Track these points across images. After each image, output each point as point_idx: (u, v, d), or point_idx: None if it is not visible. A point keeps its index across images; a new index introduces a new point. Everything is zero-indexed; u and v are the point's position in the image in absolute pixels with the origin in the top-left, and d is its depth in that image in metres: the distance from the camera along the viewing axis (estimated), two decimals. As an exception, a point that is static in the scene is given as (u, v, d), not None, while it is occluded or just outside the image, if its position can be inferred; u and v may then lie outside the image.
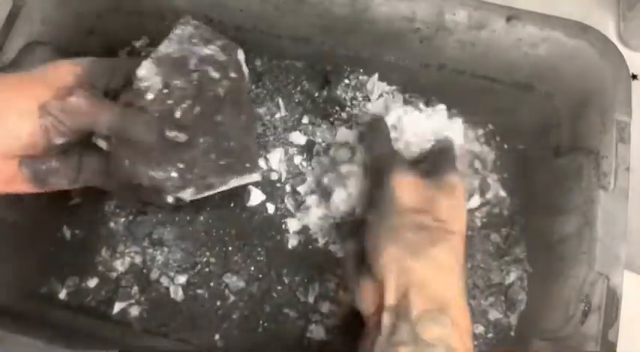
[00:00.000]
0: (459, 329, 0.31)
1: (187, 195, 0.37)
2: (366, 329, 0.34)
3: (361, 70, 0.51)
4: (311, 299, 0.45)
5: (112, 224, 0.47)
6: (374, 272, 0.33)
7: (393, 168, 0.36)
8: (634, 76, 0.52)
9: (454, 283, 0.32)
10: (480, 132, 0.51)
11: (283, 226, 0.47)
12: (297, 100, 0.51)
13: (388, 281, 0.32)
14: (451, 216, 0.34)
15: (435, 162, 0.38)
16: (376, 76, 0.50)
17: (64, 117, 0.33)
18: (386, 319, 0.31)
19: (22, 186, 0.35)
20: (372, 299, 0.33)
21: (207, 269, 0.46)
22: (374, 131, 0.41)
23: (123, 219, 0.47)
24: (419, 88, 0.51)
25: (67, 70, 0.35)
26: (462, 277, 0.33)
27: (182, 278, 0.46)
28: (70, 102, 0.33)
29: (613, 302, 0.37)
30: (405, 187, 0.35)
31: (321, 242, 0.46)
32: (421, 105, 0.46)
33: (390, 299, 0.32)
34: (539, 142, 0.49)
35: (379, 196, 0.36)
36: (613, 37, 0.54)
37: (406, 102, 0.50)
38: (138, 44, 0.52)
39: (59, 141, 0.34)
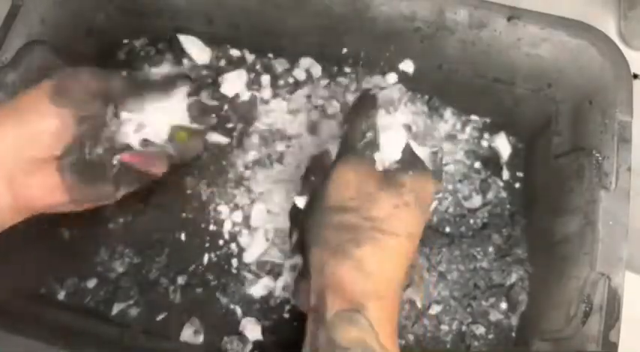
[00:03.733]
0: (383, 331, 0.29)
1: None
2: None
3: (362, 70, 0.51)
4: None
5: (111, 225, 0.47)
6: (305, 271, 0.31)
7: (342, 157, 0.33)
8: (635, 76, 0.51)
9: (377, 284, 0.30)
10: (481, 131, 0.51)
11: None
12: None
13: (312, 283, 0.30)
14: (393, 217, 0.31)
15: (402, 159, 0.35)
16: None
17: (75, 82, 0.34)
18: (309, 323, 0.30)
19: (63, 197, 0.34)
20: (306, 300, 0.31)
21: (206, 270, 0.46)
22: (358, 108, 0.37)
23: (122, 220, 0.47)
24: (419, 88, 0.51)
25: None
26: (396, 279, 0.31)
27: (181, 279, 0.45)
28: (76, 71, 0.35)
29: (614, 303, 0.37)
30: (344, 181, 0.32)
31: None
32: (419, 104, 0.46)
33: (312, 301, 0.30)
34: (540, 142, 0.48)
35: (317, 187, 0.33)
36: (614, 37, 0.53)
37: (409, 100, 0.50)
38: (137, 44, 0.52)
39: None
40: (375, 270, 0.30)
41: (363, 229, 0.30)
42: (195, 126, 0.41)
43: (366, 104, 0.36)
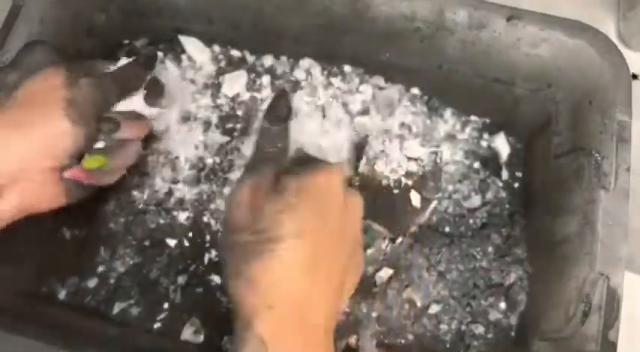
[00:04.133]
0: (278, 343, 0.28)
1: None
2: None
3: (362, 70, 0.51)
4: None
5: (111, 224, 0.47)
6: None
7: (239, 177, 0.33)
8: (634, 76, 0.52)
9: (266, 295, 0.29)
10: (480, 132, 0.51)
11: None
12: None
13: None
14: (276, 223, 0.29)
15: (292, 163, 0.34)
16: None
17: (85, 97, 0.36)
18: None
19: (63, 201, 0.37)
20: None
21: (206, 270, 0.46)
22: (273, 111, 0.36)
23: (123, 220, 0.47)
24: (419, 88, 0.51)
25: (49, 74, 0.37)
26: (290, 283, 0.29)
27: (181, 279, 0.45)
28: (82, 84, 0.36)
29: (614, 303, 0.37)
30: (236, 201, 0.32)
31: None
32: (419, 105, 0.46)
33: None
34: (539, 142, 0.49)
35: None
36: (613, 37, 0.53)
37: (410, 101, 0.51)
38: (137, 44, 0.52)
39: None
40: (264, 282, 0.29)
41: (252, 244, 0.30)
42: (99, 145, 0.39)
43: (279, 113, 0.36)
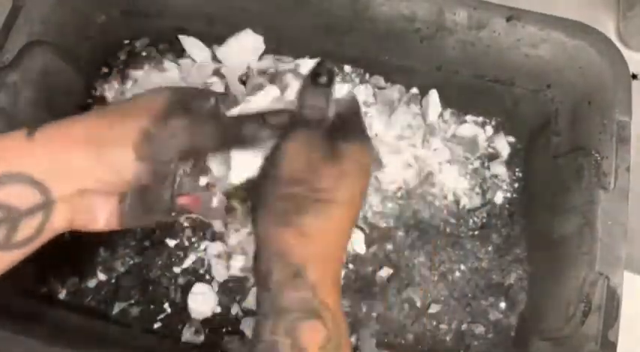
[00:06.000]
0: (323, 290, 0.30)
1: None
2: None
3: (362, 70, 0.51)
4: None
5: (111, 224, 0.47)
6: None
7: (293, 130, 0.34)
8: (634, 76, 0.52)
9: (317, 247, 0.31)
10: (480, 131, 0.51)
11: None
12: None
13: (257, 251, 0.32)
14: (335, 186, 0.32)
15: (338, 127, 0.35)
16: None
17: (167, 138, 0.32)
18: (257, 294, 0.31)
19: (116, 225, 0.34)
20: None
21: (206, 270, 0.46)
22: (312, 83, 0.36)
23: (123, 219, 0.47)
24: (419, 88, 0.51)
25: (154, 97, 0.33)
26: (337, 242, 0.33)
27: (182, 279, 0.45)
28: (172, 123, 0.32)
29: (613, 303, 0.37)
30: (295, 155, 0.33)
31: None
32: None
33: (259, 269, 0.31)
34: (539, 142, 0.49)
35: (271, 157, 0.33)
36: (613, 37, 0.54)
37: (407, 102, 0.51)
38: (138, 44, 0.52)
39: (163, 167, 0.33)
40: (316, 235, 0.31)
41: (308, 199, 0.32)
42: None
43: (321, 80, 0.36)
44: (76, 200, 0.32)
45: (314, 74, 0.36)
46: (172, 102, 0.33)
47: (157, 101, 0.33)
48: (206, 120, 0.34)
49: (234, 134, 0.34)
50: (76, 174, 0.31)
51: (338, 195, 0.32)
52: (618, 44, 0.45)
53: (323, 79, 0.36)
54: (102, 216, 0.34)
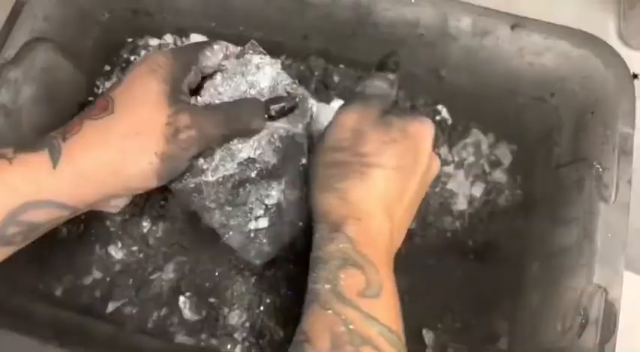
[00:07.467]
0: (361, 242, 0.31)
1: None
2: None
3: (364, 74, 0.51)
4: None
5: (107, 222, 0.47)
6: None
7: (348, 102, 0.35)
8: (635, 76, 0.51)
9: (357, 209, 0.32)
10: (482, 138, 0.51)
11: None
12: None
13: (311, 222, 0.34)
14: (379, 151, 0.33)
15: (397, 108, 0.37)
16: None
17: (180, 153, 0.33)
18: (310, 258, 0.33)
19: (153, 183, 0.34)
20: None
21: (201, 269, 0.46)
22: (381, 67, 0.38)
23: (119, 218, 0.47)
24: (422, 94, 0.51)
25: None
26: (381, 204, 0.32)
27: (177, 279, 0.45)
28: (181, 137, 0.33)
29: (611, 316, 0.37)
30: (343, 124, 0.34)
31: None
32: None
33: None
34: (541, 151, 0.48)
35: (325, 129, 0.35)
36: (613, 36, 0.53)
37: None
38: (140, 42, 0.52)
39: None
40: (357, 199, 0.32)
41: (351, 164, 0.33)
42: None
43: (388, 65, 0.38)
44: (96, 203, 0.35)
45: (382, 62, 0.38)
46: (172, 102, 0.34)
47: (160, 103, 0.33)
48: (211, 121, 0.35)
49: (237, 129, 0.36)
50: (98, 196, 0.34)
51: (382, 159, 0.32)
52: (619, 43, 0.44)
53: (391, 66, 0.38)
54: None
